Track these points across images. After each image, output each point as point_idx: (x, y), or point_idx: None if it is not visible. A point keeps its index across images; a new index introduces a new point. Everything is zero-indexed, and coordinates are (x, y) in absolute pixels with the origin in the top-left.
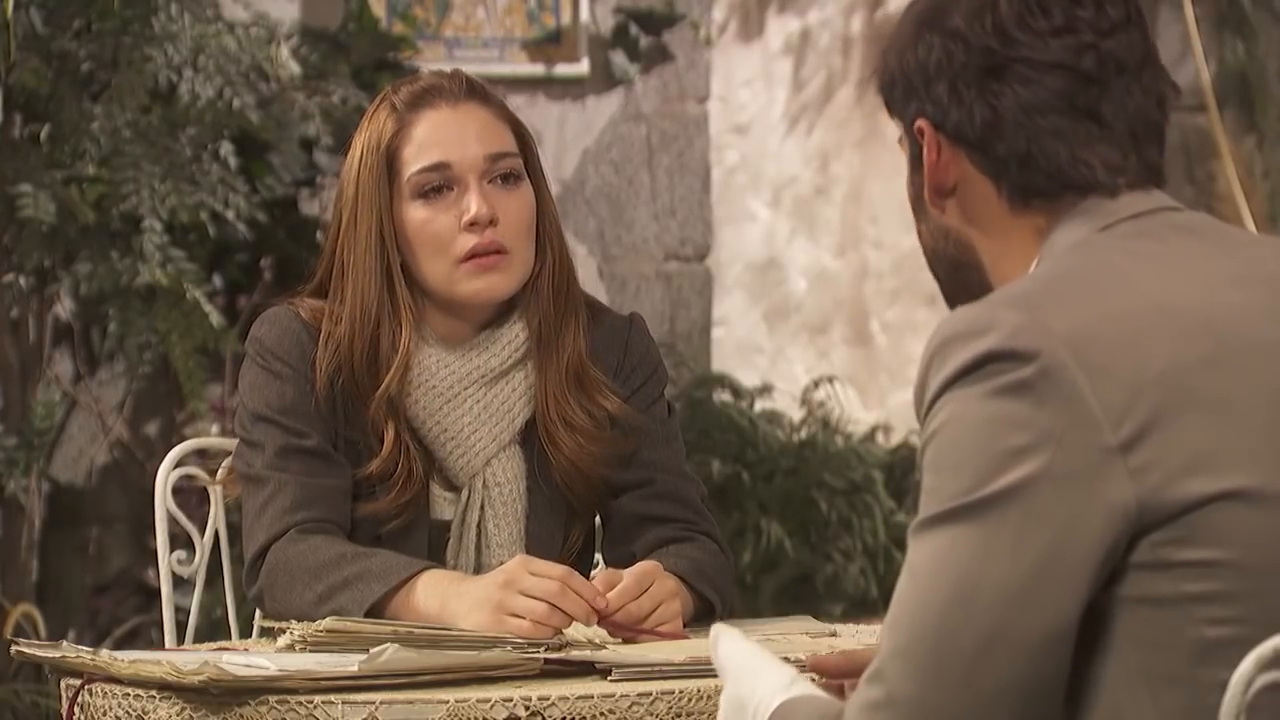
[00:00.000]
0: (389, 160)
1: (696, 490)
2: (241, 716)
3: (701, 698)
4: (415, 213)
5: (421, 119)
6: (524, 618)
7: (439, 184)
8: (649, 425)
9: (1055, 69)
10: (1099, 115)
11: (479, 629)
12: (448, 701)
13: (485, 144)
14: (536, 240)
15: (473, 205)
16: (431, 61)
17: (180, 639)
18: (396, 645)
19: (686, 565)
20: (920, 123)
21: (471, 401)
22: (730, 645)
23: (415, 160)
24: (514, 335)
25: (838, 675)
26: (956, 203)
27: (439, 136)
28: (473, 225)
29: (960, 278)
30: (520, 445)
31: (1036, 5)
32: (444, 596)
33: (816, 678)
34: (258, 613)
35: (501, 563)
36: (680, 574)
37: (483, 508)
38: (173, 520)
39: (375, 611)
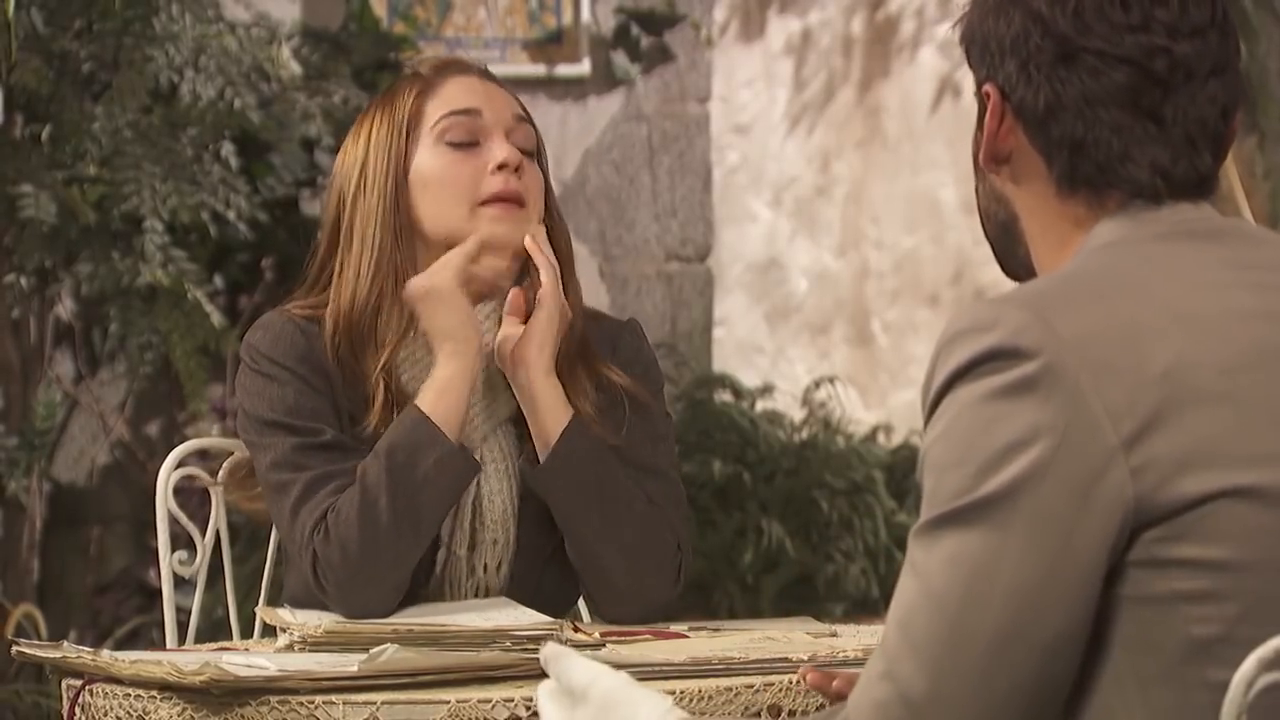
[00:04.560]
0: (412, 117)
1: (670, 490)
2: (242, 717)
3: (702, 698)
4: (438, 158)
5: (450, 81)
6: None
7: (466, 135)
8: (637, 422)
9: (1124, 64)
10: (1159, 116)
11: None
12: (449, 702)
13: (511, 105)
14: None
15: (501, 151)
16: None
17: (181, 639)
18: (396, 645)
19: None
20: (988, 87)
21: None
22: (588, 668)
23: (445, 106)
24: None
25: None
26: (1010, 172)
27: (470, 90)
28: (501, 168)
29: (1009, 242)
30: (513, 424)
31: None
32: (442, 377)
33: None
34: (259, 608)
35: (495, 540)
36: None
37: (478, 484)
38: (174, 520)
39: (450, 460)
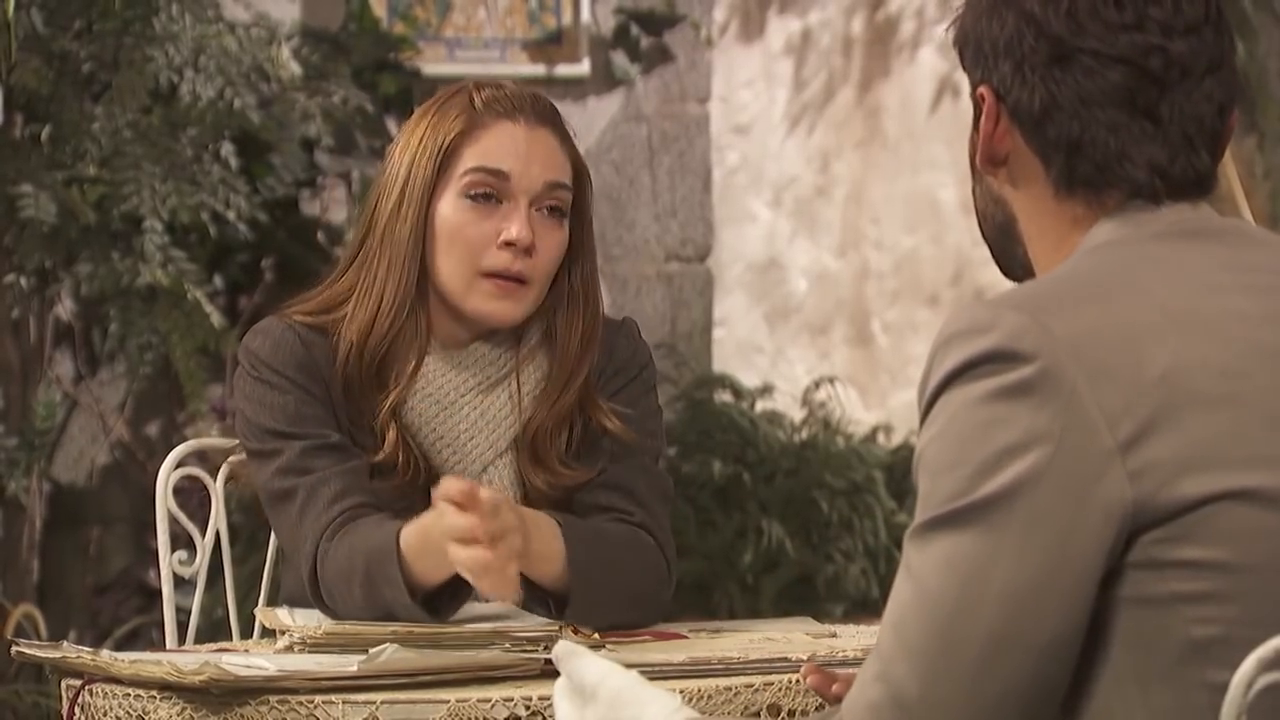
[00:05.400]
0: (448, 152)
1: (654, 486)
2: (242, 717)
3: (702, 697)
4: (457, 211)
5: (495, 125)
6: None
7: (490, 192)
8: (631, 405)
9: (1119, 64)
10: (1156, 115)
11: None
12: (448, 701)
13: (547, 170)
14: (569, 280)
15: (515, 227)
16: (432, 62)
17: (181, 639)
18: (396, 645)
19: (580, 531)
20: (983, 89)
21: (468, 409)
22: (598, 666)
23: (475, 159)
24: (509, 345)
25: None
26: (1007, 173)
27: (507, 147)
28: (510, 246)
29: (1007, 243)
30: (513, 453)
31: None
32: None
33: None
34: (258, 610)
35: None
36: (565, 528)
37: None
38: (174, 521)
39: (411, 608)
